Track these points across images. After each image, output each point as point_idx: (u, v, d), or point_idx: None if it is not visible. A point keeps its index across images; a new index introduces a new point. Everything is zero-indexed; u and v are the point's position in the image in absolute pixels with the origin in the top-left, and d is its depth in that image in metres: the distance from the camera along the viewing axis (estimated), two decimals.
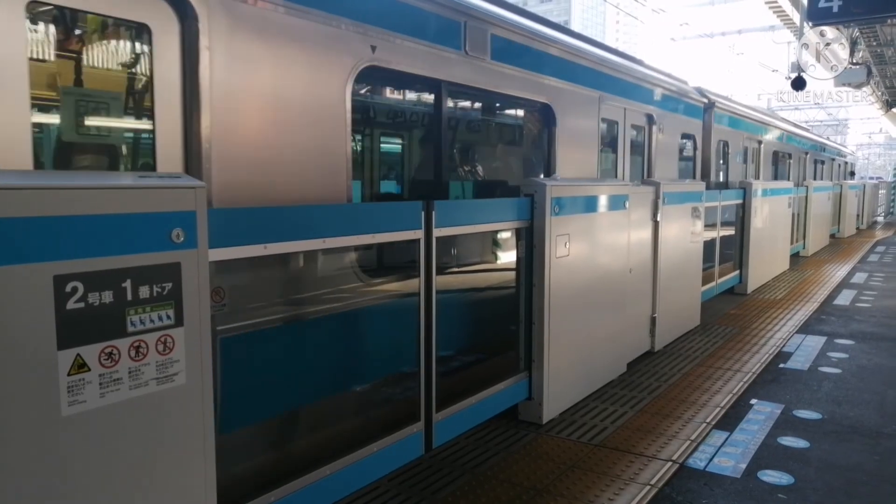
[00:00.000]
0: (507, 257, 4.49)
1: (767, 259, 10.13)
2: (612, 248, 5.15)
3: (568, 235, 4.51)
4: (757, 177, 11.93)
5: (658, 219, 6.06)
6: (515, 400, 4.33)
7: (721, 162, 10.24)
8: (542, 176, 5.63)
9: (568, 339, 4.58)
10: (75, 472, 1.92)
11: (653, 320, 6.13)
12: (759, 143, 12.12)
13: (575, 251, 4.59)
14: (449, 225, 3.59)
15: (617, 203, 5.17)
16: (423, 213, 3.40)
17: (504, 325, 4.57)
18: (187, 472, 2.22)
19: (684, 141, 8.75)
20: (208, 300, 2.27)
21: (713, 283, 8.23)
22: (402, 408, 3.52)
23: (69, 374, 1.91)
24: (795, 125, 18.22)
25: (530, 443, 4.08)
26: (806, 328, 7.18)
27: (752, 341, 6.57)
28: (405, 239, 3.35)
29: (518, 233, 4.34)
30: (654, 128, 7.48)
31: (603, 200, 4.96)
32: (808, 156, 17.06)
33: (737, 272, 9.16)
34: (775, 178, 13.39)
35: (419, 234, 3.39)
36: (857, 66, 13.03)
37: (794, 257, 12.67)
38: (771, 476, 3.65)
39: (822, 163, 19.60)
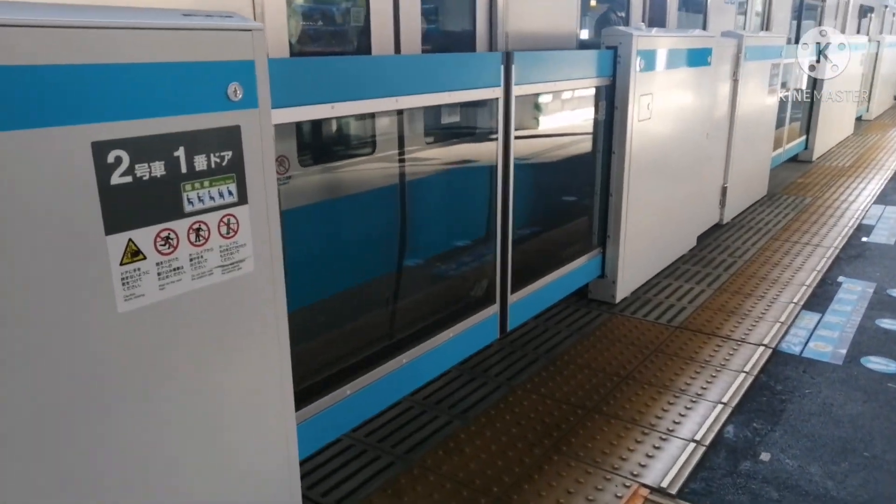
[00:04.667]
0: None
1: (834, 123, 9.39)
2: (693, 110, 4.60)
3: (651, 95, 3.97)
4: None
5: (737, 77, 5.43)
6: (588, 278, 4.01)
7: None
8: None
9: (645, 212, 4.18)
10: (136, 377, 1.63)
11: (723, 190, 5.66)
12: None
13: (657, 113, 4.07)
14: (529, 82, 3.09)
15: (700, 58, 4.56)
16: (502, 66, 2.89)
17: (571, 198, 4.17)
18: (259, 370, 1.94)
19: None
20: (274, 172, 1.88)
21: (780, 150, 7.63)
22: (474, 289, 3.21)
23: (122, 264, 1.56)
24: None
25: (604, 324, 3.80)
26: (883, 198, 6.67)
27: (827, 213, 6.11)
28: (482, 98, 2.88)
29: (597, 92, 3.81)
30: None
31: (687, 55, 4.35)
32: None
33: (803, 138, 8.51)
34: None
35: (498, 91, 2.91)
36: None
37: (857, 121, 11.82)
38: (876, 363, 3.34)
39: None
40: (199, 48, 1.63)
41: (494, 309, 3.18)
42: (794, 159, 8.45)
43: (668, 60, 4.11)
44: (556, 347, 3.51)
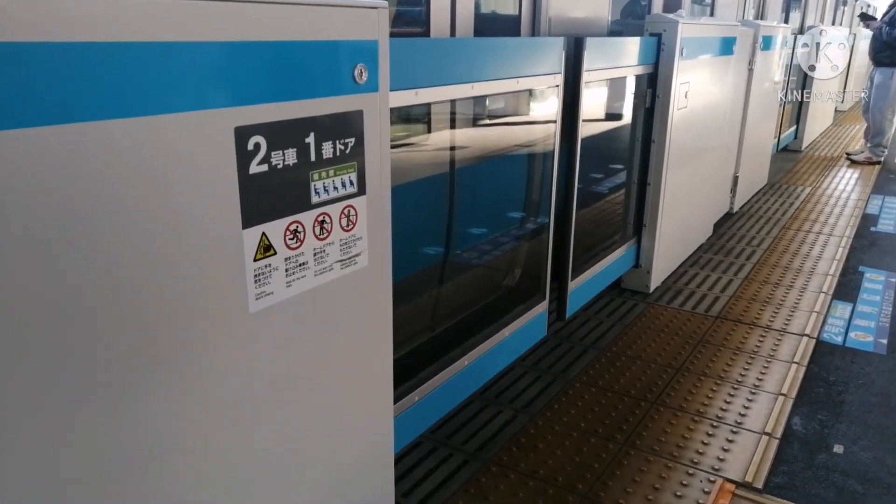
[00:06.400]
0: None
1: (820, 112, 9.55)
2: (717, 99, 4.59)
3: (688, 83, 3.93)
4: None
5: (752, 66, 5.44)
6: (625, 269, 3.97)
7: None
8: None
9: (676, 201, 4.16)
10: (261, 385, 1.51)
11: (735, 179, 5.69)
12: None
13: (691, 102, 4.03)
14: (594, 68, 3.01)
15: (727, 47, 4.54)
16: (563, 52, 2.80)
17: (607, 187, 4.12)
18: (367, 369, 1.83)
19: None
20: (389, 161, 1.76)
21: (776, 139, 7.72)
22: (525, 282, 3.14)
23: (255, 260, 1.44)
24: None
25: (643, 314, 3.77)
26: (880, 188, 6.80)
27: (830, 202, 6.20)
28: (547, 84, 2.78)
29: (639, 80, 3.75)
30: None
31: (718, 43, 4.33)
32: None
33: (793, 128, 8.63)
34: None
35: (559, 79, 2.82)
36: None
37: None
38: None
39: None
40: (333, 26, 1.51)
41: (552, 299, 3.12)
42: (784, 148, 8.57)
43: (703, 49, 4.08)
44: (602, 339, 3.46)
